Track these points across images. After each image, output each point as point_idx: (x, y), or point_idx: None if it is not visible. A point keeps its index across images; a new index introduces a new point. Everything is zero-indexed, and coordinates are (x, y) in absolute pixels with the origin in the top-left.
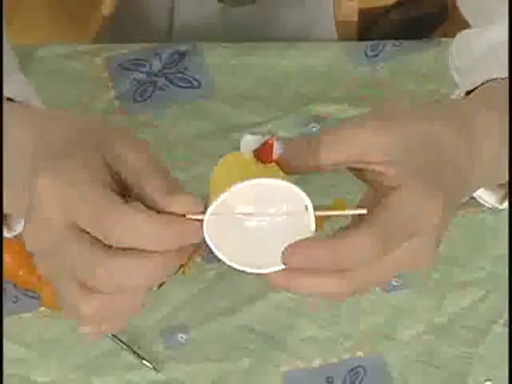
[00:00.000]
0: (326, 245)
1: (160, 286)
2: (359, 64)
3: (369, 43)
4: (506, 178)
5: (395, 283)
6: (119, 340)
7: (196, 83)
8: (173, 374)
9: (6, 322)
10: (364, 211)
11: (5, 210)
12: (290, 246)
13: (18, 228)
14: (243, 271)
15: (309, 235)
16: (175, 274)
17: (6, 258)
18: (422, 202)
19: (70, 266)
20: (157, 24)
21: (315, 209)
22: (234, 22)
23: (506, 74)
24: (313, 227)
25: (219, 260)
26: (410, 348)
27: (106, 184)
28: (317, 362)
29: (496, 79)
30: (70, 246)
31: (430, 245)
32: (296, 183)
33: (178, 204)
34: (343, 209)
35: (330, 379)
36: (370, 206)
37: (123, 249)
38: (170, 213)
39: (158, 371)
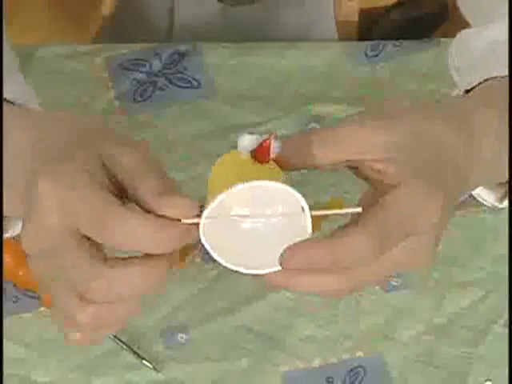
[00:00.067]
0: (324, 245)
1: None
2: (359, 64)
3: (369, 43)
4: (506, 176)
5: (395, 283)
6: (119, 340)
7: (196, 83)
8: (173, 373)
9: (5, 322)
10: (359, 209)
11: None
12: (287, 248)
13: (16, 229)
14: (240, 272)
15: (306, 236)
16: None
17: (6, 258)
18: (422, 201)
19: (67, 274)
20: (157, 24)
21: (312, 208)
22: (234, 22)
23: (505, 72)
24: (309, 229)
25: (216, 261)
26: (410, 348)
27: (103, 186)
28: (316, 362)
29: (495, 78)
30: (69, 253)
31: (428, 244)
32: (295, 182)
33: (172, 208)
34: (340, 208)
35: (330, 379)
36: (370, 205)
37: (123, 258)
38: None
39: (158, 371)
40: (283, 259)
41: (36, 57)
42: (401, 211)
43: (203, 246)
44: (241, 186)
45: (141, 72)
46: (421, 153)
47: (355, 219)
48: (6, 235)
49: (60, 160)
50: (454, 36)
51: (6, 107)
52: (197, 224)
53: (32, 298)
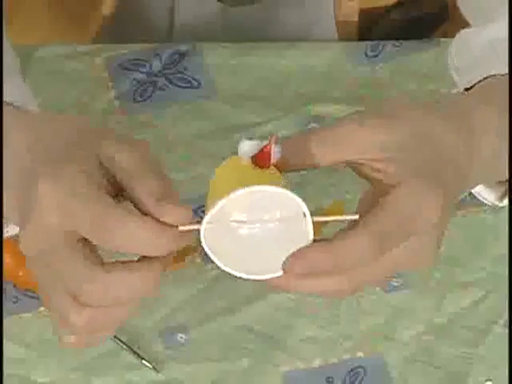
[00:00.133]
0: (326, 249)
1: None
2: (359, 64)
3: (369, 43)
4: (506, 174)
5: (395, 283)
6: (119, 340)
7: (196, 83)
8: (172, 374)
9: (5, 322)
10: (356, 217)
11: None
12: (290, 256)
13: (11, 230)
14: (240, 278)
15: (307, 241)
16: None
17: (6, 259)
18: (422, 201)
19: (62, 276)
20: (157, 24)
21: (312, 214)
22: (234, 22)
23: (505, 70)
24: (311, 235)
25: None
26: (410, 348)
27: (102, 188)
28: (317, 363)
29: (495, 76)
30: (65, 255)
31: (429, 244)
32: (295, 183)
33: (167, 216)
34: (341, 211)
35: (330, 379)
36: (370, 205)
37: (120, 262)
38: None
39: (158, 371)
40: (286, 267)
41: (36, 57)
42: (401, 211)
43: (204, 250)
44: (241, 192)
45: (141, 72)
46: (420, 152)
47: (356, 220)
48: (5, 235)
49: (59, 161)
50: (454, 36)
51: (4, 108)
52: (196, 230)
53: (32, 298)
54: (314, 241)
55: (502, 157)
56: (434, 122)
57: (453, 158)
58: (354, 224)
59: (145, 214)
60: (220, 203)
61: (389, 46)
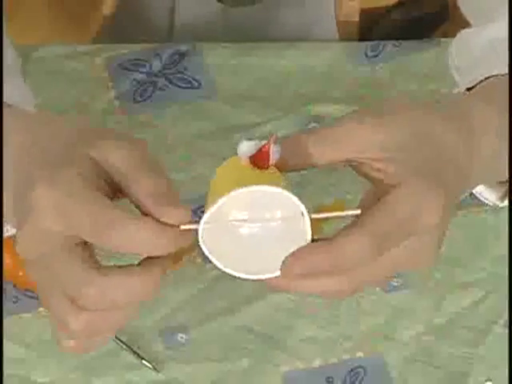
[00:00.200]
0: (324, 250)
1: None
2: (359, 64)
3: (369, 43)
4: (506, 174)
5: (395, 283)
6: (119, 340)
7: (196, 83)
8: (173, 374)
9: (5, 322)
10: (358, 212)
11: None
12: (289, 257)
13: (11, 230)
14: (239, 277)
15: (305, 241)
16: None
17: (6, 259)
18: (422, 201)
19: (60, 280)
20: (157, 24)
21: (311, 211)
22: (235, 22)
23: (505, 70)
24: (309, 235)
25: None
26: (410, 348)
27: (100, 189)
28: (317, 363)
29: (496, 75)
30: (62, 259)
31: (430, 244)
32: (295, 183)
33: (166, 215)
34: (342, 210)
35: (330, 379)
36: (371, 205)
37: (117, 266)
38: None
39: (158, 371)
40: (285, 268)
41: (36, 57)
42: (400, 211)
43: (202, 251)
44: (239, 191)
45: (141, 72)
46: (420, 152)
47: (355, 220)
48: (5, 235)
49: (56, 164)
50: (454, 36)
51: (4, 110)
52: (196, 230)
53: (32, 298)
54: (314, 240)
55: (503, 157)
56: (434, 122)
57: (453, 158)
58: (353, 224)
59: (144, 213)
60: (218, 203)
61: (389, 46)
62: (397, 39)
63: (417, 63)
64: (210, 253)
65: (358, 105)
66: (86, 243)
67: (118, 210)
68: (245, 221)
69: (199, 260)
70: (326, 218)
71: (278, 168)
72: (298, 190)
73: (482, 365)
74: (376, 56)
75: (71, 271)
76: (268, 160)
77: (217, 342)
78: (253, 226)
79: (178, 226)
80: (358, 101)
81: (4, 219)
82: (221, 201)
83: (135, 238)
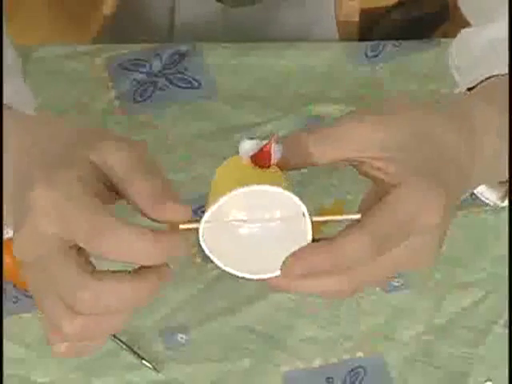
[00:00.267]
0: (325, 250)
1: None
2: (359, 64)
3: (369, 43)
4: (507, 174)
5: (395, 283)
6: (119, 340)
7: (196, 83)
8: (173, 374)
9: (5, 322)
10: (358, 216)
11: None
12: (289, 257)
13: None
14: (240, 277)
15: (306, 242)
16: None
17: (6, 259)
18: (423, 201)
19: (55, 283)
20: (157, 24)
21: (312, 213)
22: (235, 22)
23: (506, 70)
24: (309, 235)
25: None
26: (410, 348)
27: (98, 194)
28: (317, 363)
29: (497, 75)
30: (57, 262)
31: (430, 244)
32: (296, 183)
33: (165, 214)
34: (342, 210)
35: (330, 379)
36: (372, 204)
37: (112, 271)
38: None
39: (158, 371)
40: (285, 268)
41: (36, 57)
42: (401, 211)
43: (203, 250)
44: (240, 191)
45: (141, 72)
46: (421, 152)
47: (356, 220)
48: (5, 236)
49: (55, 167)
50: (454, 36)
51: (5, 111)
52: (195, 229)
53: (32, 298)
54: (314, 240)
55: (503, 157)
56: (434, 122)
57: (454, 158)
58: (353, 223)
59: (143, 215)
60: (218, 202)
61: (389, 46)
62: (397, 39)
63: (417, 63)
64: (210, 252)
65: (357, 105)
66: (81, 247)
67: (112, 217)
68: (245, 220)
69: (199, 260)
70: (326, 221)
71: (278, 167)
72: (298, 189)
73: (482, 365)
74: (376, 56)
75: (66, 274)
76: (269, 159)
77: (217, 342)
78: (253, 225)
79: (178, 226)
80: (358, 101)
81: (4, 221)
82: (221, 200)
83: (128, 246)
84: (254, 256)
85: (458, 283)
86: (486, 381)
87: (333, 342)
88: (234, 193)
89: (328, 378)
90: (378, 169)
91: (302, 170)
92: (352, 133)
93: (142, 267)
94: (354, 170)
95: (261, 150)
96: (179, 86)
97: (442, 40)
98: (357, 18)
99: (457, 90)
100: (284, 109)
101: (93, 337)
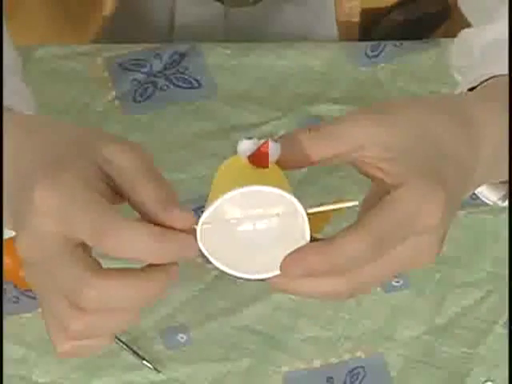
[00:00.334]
0: (320, 251)
1: None
2: (359, 64)
3: (369, 43)
4: (506, 175)
5: (395, 283)
6: (119, 340)
7: (196, 84)
8: (173, 374)
9: (6, 322)
10: (355, 202)
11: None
12: (286, 258)
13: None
14: (238, 277)
15: (304, 240)
16: None
17: (6, 260)
18: (423, 202)
19: (60, 282)
20: (157, 24)
21: (311, 213)
22: (235, 23)
23: (506, 70)
24: (307, 235)
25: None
26: (411, 348)
27: (102, 194)
28: (317, 363)
29: (497, 76)
30: (63, 261)
31: (431, 244)
32: (297, 183)
33: (174, 221)
34: (342, 211)
35: (331, 379)
36: (373, 204)
37: (119, 269)
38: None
39: (159, 371)
40: (283, 268)
41: (36, 57)
42: (401, 213)
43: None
44: (238, 191)
45: (141, 72)
46: (422, 151)
47: (356, 221)
48: (5, 236)
49: (58, 165)
50: (454, 36)
51: (5, 114)
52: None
53: (32, 298)
54: (315, 239)
55: (503, 157)
56: (436, 122)
57: (454, 154)
58: (353, 224)
59: (146, 218)
60: (216, 202)
61: (389, 46)
62: (397, 39)
63: (417, 63)
64: (208, 253)
65: (357, 105)
66: (86, 244)
67: (117, 215)
68: (243, 221)
69: (199, 260)
70: (327, 218)
71: (278, 165)
72: (299, 188)
73: (483, 365)
74: (376, 56)
75: (72, 273)
76: (267, 159)
77: (217, 342)
78: (251, 225)
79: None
80: (358, 101)
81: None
82: (217, 202)
83: (131, 245)
84: (252, 256)
85: (459, 283)
86: (486, 381)
87: (333, 342)
88: (230, 194)
89: (328, 378)
90: (379, 168)
91: (303, 170)
92: (353, 131)
93: (151, 265)
94: (355, 170)
95: (258, 150)
96: (179, 86)
97: (443, 40)
98: (357, 18)
99: (457, 91)
100: (284, 109)
101: (98, 335)
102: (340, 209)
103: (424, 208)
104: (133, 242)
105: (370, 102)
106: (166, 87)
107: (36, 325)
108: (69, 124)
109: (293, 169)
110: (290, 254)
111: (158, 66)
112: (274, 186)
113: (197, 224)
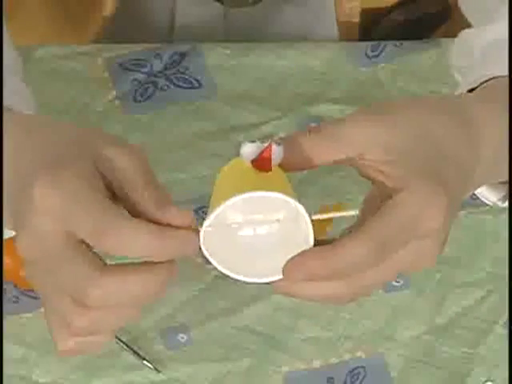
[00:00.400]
0: (321, 256)
1: None
2: (359, 64)
3: (369, 43)
4: (506, 175)
5: (396, 283)
6: (120, 340)
7: (197, 84)
8: (173, 374)
9: (6, 322)
10: (355, 212)
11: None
12: (288, 262)
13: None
14: (240, 281)
15: (306, 245)
16: None
17: (6, 260)
18: (425, 205)
19: (66, 279)
20: (158, 25)
21: (313, 215)
22: (235, 23)
23: (506, 71)
24: (311, 240)
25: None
26: (411, 348)
27: (102, 192)
28: (317, 363)
29: (497, 77)
30: (66, 259)
31: (432, 247)
32: (298, 183)
33: (174, 220)
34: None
35: (331, 380)
36: (374, 206)
37: (122, 265)
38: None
39: (159, 371)
40: (285, 273)
41: (36, 57)
42: (403, 217)
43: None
44: (240, 197)
45: (142, 72)
46: (423, 153)
47: (358, 226)
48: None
49: (58, 164)
50: (455, 36)
51: (6, 114)
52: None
53: (32, 298)
54: (318, 242)
55: (503, 157)
56: (436, 123)
57: (454, 155)
58: (356, 229)
59: (140, 218)
60: (220, 208)
61: (389, 46)
62: (397, 39)
63: (417, 63)
64: (210, 255)
65: (357, 105)
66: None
67: (118, 213)
68: (245, 225)
69: (199, 260)
70: (330, 220)
71: (282, 168)
72: (299, 189)
73: (483, 365)
74: (376, 56)
75: (76, 270)
76: (270, 164)
77: (218, 342)
78: (254, 229)
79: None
80: (358, 101)
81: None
82: (220, 208)
83: (130, 243)
84: (255, 260)
85: (459, 283)
86: (486, 381)
87: (333, 342)
88: (234, 198)
89: (329, 378)
90: (380, 171)
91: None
92: (353, 133)
93: (153, 262)
94: (355, 170)
95: (261, 154)
96: (180, 86)
97: (443, 40)
98: (357, 19)
99: (457, 92)
100: (284, 109)
101: (102, 331)
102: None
103: (426, 212)
104: (133, 240)
105: (370, 102)
106: (166, 87)
107: (36, 325)
108: (69, 124)
109: (294, 171)
110: (292, 258)
111: (158, 66)
112: (278, 190)
113: (198, 226)
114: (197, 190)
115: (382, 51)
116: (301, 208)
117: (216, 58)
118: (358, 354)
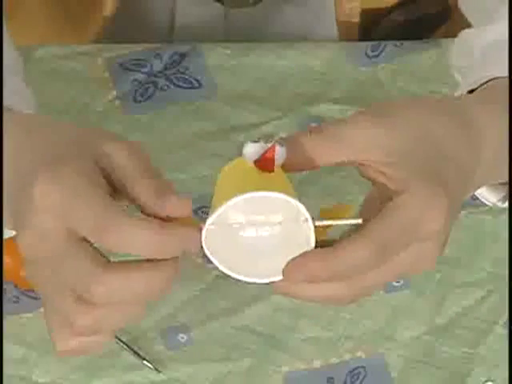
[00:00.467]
0: (322, 258)
1: None
2: (359, 64)
3: (369, 43)
4: (506, 176)
5: (396, 283)
6: (120, 340)
7: (197, 84)
8: (174, 374)
9: (6, 322)
10: (359, 221)
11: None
12: (288, 263)
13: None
14: (241, 281)
15: (308, 246)
16: None
17: (6, 260)
18: (426, 207)
19: (69, 277)
20: (158, 25)
21: (314, 216)
22: (235, 23)
23: (506, 72)
24: (313, 241)
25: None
26: (411, 349)
27: (103, 189)
28: (318, 363)
29: (497, 78)
30: (69, 257)
31: (432, 249)
32: (298, 183)
33: (169, 207)
34: (344, 213)
35: (331, 380)
36: (374, 207)
37: (126, 262)
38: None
39: (159, 371)
40: (285, 274)
41: (37, 57)
42: (404, 220)
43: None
44: (242, 197)
45: (142, 72)
46: (423, 154)
47: (359, 228)
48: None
49: (58, 161)
50: (455, 36)
51: (6, 114)
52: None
53: (32, 298)
54: (319, 242)
55: (503, 158)
56: (437, 123)
57: (454, 156)
58: (357, 232)
59: (144, 210)
60: (221, 208)
61: (389, 46)
62: (397, 39)
63: (417, 63)
64: (212, 255)
65: (358, 105)
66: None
67: (118, 210)
68: (247, 225)
69: (200, 260)
70: (329, 225)
71: (283, 168)
72: (300, 189)
73: (483, 365)
74: (376, 56)
75: (79, 267)
76: (273, 164)
77: (218, 342)
78: (255, 230)
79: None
80: (358, 101)
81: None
82: (222, 208)
83: (141, 240)
84: (256, 260)
85: (459, 283)
86: (486, 381)
87: (333, 342)
88: (236, 199)
89: (329, 378)
90: (381, 172)
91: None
92: (355, 135)
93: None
94: (356, 169)
95: (264, 155)
96: (180, 86)
97: (443, 40)
98: (357, 19)
99: (457, 92)
100: (284, 109)
101: (105, 329)
102: (342, 214)
103: (427, 214)
104: (134, 237)
105: (370, 102)
106: (166, 87)
107: (36, 325)
108: (69, 124)
109: (294, 172)
110: (293, 260)
111: (158, 66)
112: (280, 190)
113: (200, 223)
114: (197, 190)
115: (382, 51)
116: (303, 209)
117: (216, 58)
118: (358, 354)
